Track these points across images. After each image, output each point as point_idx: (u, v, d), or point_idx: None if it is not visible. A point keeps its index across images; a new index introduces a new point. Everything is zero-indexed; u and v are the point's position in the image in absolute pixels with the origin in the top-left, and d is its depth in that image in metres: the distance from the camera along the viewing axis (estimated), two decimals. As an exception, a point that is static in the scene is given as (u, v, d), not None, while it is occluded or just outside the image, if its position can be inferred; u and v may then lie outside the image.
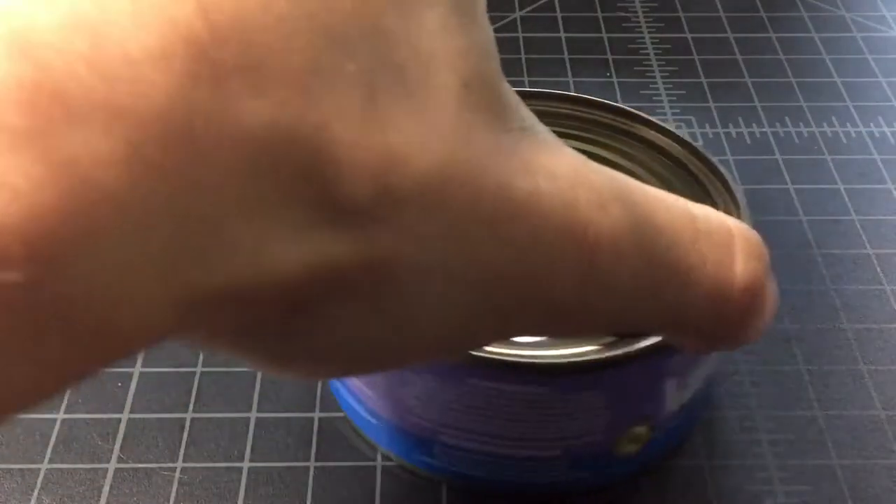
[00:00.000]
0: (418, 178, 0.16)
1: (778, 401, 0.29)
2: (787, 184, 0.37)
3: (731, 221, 0.20)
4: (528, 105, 0.30)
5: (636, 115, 0.31)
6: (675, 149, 0.30)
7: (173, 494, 0.26)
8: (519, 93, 0.31)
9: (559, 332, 0.20)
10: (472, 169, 0.16)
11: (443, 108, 0.16)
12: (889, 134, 0.39)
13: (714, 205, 0.28)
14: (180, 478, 0.27)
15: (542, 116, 0.31)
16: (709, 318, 0.20)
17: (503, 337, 0.19)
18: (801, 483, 0.27)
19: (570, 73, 0.42)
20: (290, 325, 0.16)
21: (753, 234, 0.20)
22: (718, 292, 0.19)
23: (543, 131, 0.19)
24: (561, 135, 0.30)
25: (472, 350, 0.20)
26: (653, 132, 0.30)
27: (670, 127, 0.30)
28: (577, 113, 0.31)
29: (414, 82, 0.16)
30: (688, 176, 0.29)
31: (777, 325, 0.31)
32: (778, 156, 0.38)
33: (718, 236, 0.19)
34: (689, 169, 0.29)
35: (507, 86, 0.19)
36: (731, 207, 0.27)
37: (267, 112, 0.14)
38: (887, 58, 0.43)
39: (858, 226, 0.35)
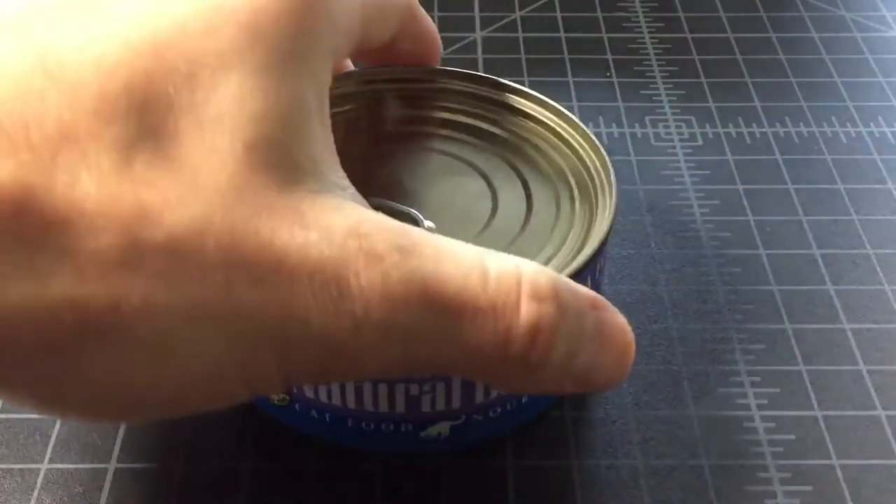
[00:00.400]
0: (171, 231, 0.18)
1: (778, 401, 0.29)
2: (787, 184, 0.37)
3: (524, 267, 0.21)
4: (409, 85, 0.32)
5: (507, 85, 0.31)
6: (549, 118, 0.30)
7: (173, 494, 0.26)
8: (401, 71, 0.32)
9: (342, 373, 0.21)
10: (234, 223, 0.18)
11: (212, 170, 0.18)
12: (889, 134, 0.39)
13: (587, 169, 0.29)
14: (179, 478, 0.27)
15: (415, 94, 0.32)
16: (496, 361, 0.20)
17: (283, 381, 0.20)
18: (801, 483, 0.27)
19: (570, 73, 0.42)
20: (55, 367, 0.18)
21: (543, 278, 0.21)
22: (503, 334, 0.20)
23: (342, 193, 0.20)
24: (436, 109, 0.31)
25: (261, 394, 0.20)
26: (525, 101, 0.31)
27: (543, 96, 0.31)
28: (450, 86, 0.32)
29: (185, 147, 0.18)
30: (559, 141, 0.30)
31: (776, 324, 0.31)
32: (778, 156, 0.38)
33: (506, 282, 0.20)
34: (562, 136, 0.30)
35: (312, 147, 0.20)
36: (601, 171, 0.28)
37: (8, 171, 0.17)
38: (887, 58, 0.43)
39: (858, 226, 0.35)
